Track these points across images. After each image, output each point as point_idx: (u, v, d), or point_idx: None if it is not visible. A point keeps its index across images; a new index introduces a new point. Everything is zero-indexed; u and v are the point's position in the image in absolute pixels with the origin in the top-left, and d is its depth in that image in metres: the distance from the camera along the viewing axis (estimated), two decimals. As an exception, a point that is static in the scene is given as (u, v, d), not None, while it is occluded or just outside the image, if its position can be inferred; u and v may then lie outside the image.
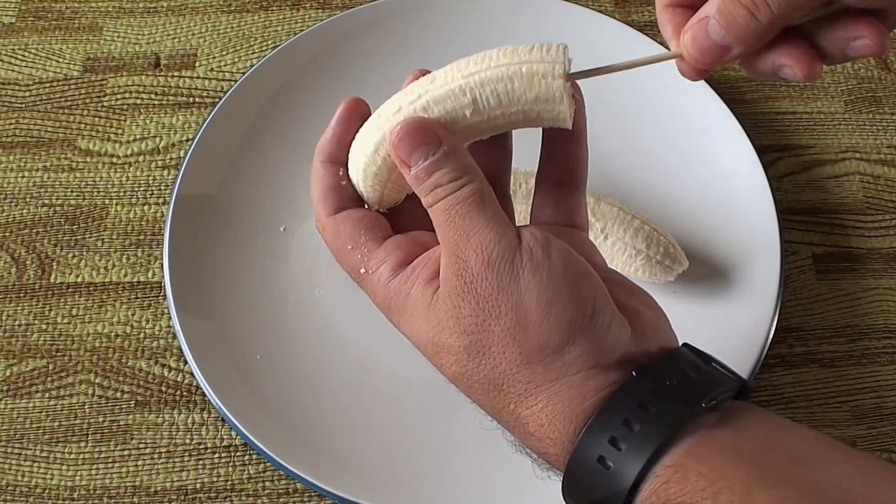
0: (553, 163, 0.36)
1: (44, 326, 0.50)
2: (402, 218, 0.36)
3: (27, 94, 0.58)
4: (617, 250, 0.48)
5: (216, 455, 0.46)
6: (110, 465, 0.46)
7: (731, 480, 0.27)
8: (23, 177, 0.55)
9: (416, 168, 0.32)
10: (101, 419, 0.47)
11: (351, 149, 0.36)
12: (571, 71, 0.36)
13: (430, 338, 0.32)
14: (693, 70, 0.33)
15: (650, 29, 0.60)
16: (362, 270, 0.33)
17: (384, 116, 0.34)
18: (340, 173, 0.35)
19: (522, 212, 0.49)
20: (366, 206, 0.35)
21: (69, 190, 0.54)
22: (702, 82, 0.55)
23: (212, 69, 0.59)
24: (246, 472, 0.46)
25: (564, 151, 0.36)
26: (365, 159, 0.35)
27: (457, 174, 0.31)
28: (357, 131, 0.35)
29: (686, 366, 0.30)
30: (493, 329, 0.30)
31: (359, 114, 0.35)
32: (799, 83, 0.59)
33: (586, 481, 0.29)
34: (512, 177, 0.48)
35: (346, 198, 0.35)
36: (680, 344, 0.33)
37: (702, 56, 0.32)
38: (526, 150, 0.49)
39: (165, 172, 0.55)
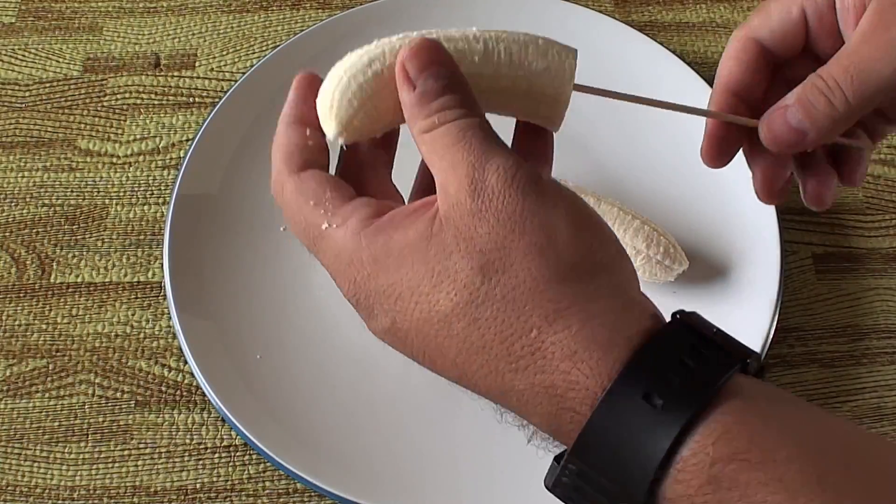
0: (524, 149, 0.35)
1: (44, 326, 0.50)
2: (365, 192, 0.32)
3: (27, 94, 0.58)
4: None
5: (216, 455, 0.47)
6: (110, 465, 0.46)
7: (797, 438, 0.25)
8: (23, 177, 0.55)
9: (423, 86, 0.29)
10: (101, 419, 0.47)
11: (329, 73, 0.34)
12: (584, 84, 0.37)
13: (429, 270, 0.27)
14: (767, 189, 0.39)
15: (650, 29, 0.60)
16: (324, 226, 0.29)
17: (384, 40, 0.32)
18: (308, 133, 0.32)
19: None
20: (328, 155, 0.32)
21: (69, 190, 0.54)
22: (702, 82, 0.55)
23: (212, 69, 0.59)
24: (246, 472, 0.46)
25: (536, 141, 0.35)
26: (352, 71, 0.32)
27: (470, 102, 0.29)
28: (314, 94, 0.32)
29: (713, 325, 0.28)
30: (516, 245, 0.27)
31: (313, 79, 0.33)
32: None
33: (622, 421, 0.25)
34: None
35: (314, 159, 0.31)
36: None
37: (777, 139, 0.35)
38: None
39: (165, 172, 0.55)
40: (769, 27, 0.37)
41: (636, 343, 0.26)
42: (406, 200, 0.33)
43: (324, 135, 0.32)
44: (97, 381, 0.48)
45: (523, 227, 0.27)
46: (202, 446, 0.47)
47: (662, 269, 0.48)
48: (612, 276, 0.28)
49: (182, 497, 0.45)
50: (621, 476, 0.25)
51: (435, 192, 0.29)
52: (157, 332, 0.50)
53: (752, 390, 0.26)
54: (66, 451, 0.47)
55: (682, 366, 0.25)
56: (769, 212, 0.50)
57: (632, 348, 0.26)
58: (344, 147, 0.32)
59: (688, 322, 0.27)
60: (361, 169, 0.33)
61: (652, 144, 0.54)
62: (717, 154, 0.38)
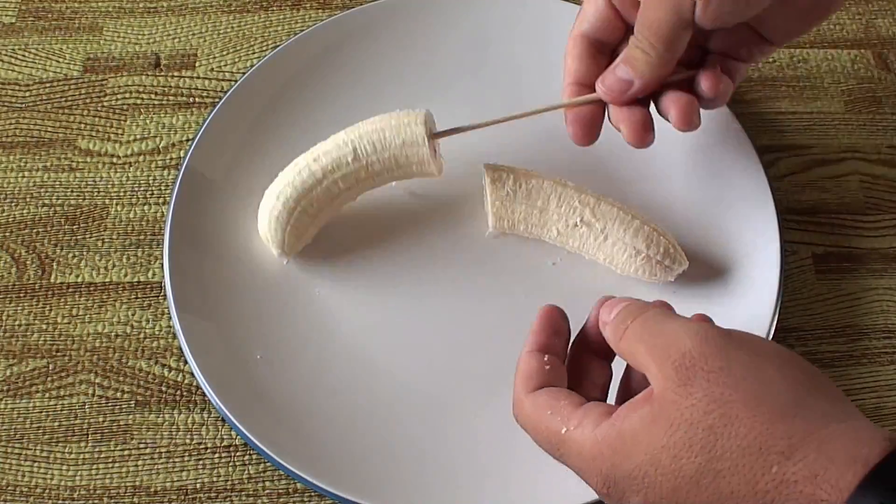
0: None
1: (44, 326, 0.50)
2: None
3: (27, 94, 0.58)
4: (617, 250, 0.48)
5: (216, 455, 0.47)
6: (110, 465, 0.46)
7: None
8: (23, 177, 0.55)
9: (614, 320, 0.36)
10: (101, 419, 0.47)
11: (259, 213, 0.47)
12: (436, 131, 0.48)
13: (664, 445, 0.31)
14: (636, 135, 0.44)
15: (650, 29, 0.60)
16: (563, 430, 0.34)
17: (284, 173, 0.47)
18: (545, 359, 0.37)
19: (522, 212, 0.49)
20: None
21: (69, 190, 0.54)
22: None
23: (212, 69, 0.59)
24: (246, 472, 0.46)
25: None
26: (275, 209, 0.46)
27: (641, 306, 0.36)
28: (562, 331, 0.38)
29: None
30: (733, 398, 0.30)
31: (559, 319, 0.38)
32: (799, 83, 0.59)
33: None
34: (511, 177, 0.48)
35: (549, 381, 0.36)
36: None
37: (609, 90, 0.43)
38: (526, 150, 0.49)
39: (165, 172, 0.55)
40: (588, 21, 0.45)
41: (872, 460, 0.28)
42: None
43: (561, 361, 0.38)
44: (97, 381, 0.48)
45: (734, 380, 0.31)
46: (202, 446, 0.47)
47: (662, 269, 0.48)
48: (827, 402, 0.31)
49: (182, 497, 0.45)
50: None
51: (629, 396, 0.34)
52: (157, 332, 0.50)
53: None
54: (66, 451, 0.47)
55: None
56: (769, 212, 0.50)
57: (868, 465, 0.28)
58: None
59: None
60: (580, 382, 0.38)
61: (653, 145, 0.54)
62: (584, 133, 0.45)
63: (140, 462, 0.46)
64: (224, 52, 0.59)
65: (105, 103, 0.57)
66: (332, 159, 0.47)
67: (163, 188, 0.54)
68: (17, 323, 0.50)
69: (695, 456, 0.30)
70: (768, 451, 0.29)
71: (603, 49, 0.45)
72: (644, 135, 0.43)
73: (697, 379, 0.31)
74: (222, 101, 0.54)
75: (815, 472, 0.29)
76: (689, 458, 0.30)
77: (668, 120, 0.43)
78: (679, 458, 0.31)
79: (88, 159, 0.55)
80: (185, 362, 0.48)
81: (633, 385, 0.38)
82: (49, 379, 0.48)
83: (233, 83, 0.55)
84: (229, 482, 0.46)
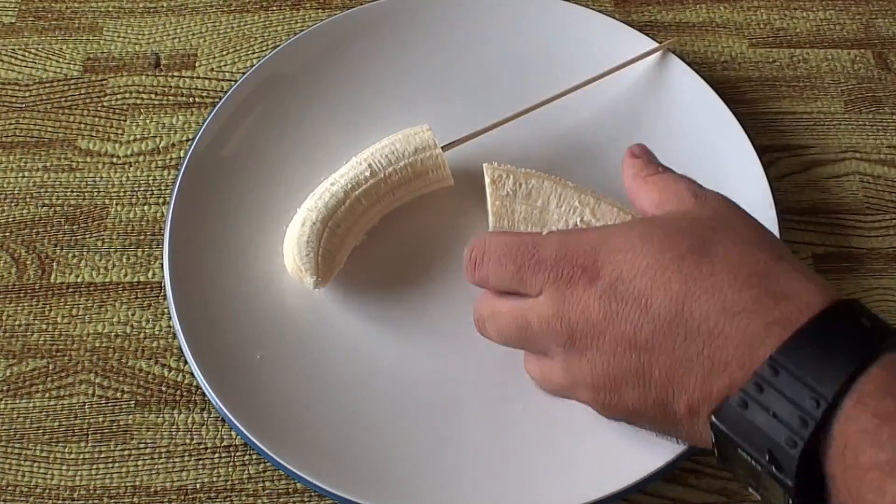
0: None
1: (44, 326, 0.50)
2: None
3: (27, 94, 0.58)
4: None
5: (216, 455, 0.47)
6: (110, 465, 0.46)
7: None
8: (23, 177, 0.55)
9: (647, 158, 0.44)
10: (101, 419, 0.47)
11: (285, 248, 0.48)
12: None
13: (661, 225, 0.37)
14: None
15: (650, 29, 0.60)
16: (543, 232, 0.42)
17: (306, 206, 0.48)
18: None
19: (522, 212, 0.49)
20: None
21: (69, 190, 0.54)
22: (702, 82, 0.55)
23: (212, 69, 0.59)
24: (246, 472, 0.46)
25: None
26: (303, 235, 0.46)
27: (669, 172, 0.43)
28: None
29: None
30: (738, 216, 0.38)
31: None
32: (799, 83, 0.59)
33: (843, 329, 0.32)
34: (511, 177, 0.48)
35: None
36: None
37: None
38: (526, 150, 0.49)
39: (165, 172, 0.55)
40: None
41: (825, 303, 0.33)
42: None
43: None
44: (97, 381, 0.48)
45: (737, 211, 0.39)
46: (202, 446, 0.47)
47: None
48: (792, 261, 0.36)
49: (182, 497, 0.45)
50: (817, 375, 0.31)
51: None
52: (157, 332, 0.50)
53: None
54: (66, 451, 0.47)
55: (863, 321, 0.32)
56: (769, 212, 0.50)
57: (838, 293, 0.34)
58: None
59: (845, 306, 0.34)
60: None
61: (652, 144, 0.54)
62: None
63: (140, 462, 0.46)
64: (224, 52, 0.59)
65: (105, 103, 0.57)
66: (349, 179, 0.47)
67: (163, 188, 0.54)
68: (17, 323, 0.50)
69: (695, 238, 0.36)
70: (759, 251, 0.35)
71: None
72: None
73: (710, 201, 0.39)
74: (222, 100, 0.54)
75: (798, 276, 0.34)
76: (666, 286, 0.34)
77: None
78: (654, 292, 0.35)
79: (88, 159, 0.55)
80: (185, 362, 0.48)
81: None
82: (49, 379, 0.48)
83: (233, 83, 0.55)
84: (229, 482, 0.46)
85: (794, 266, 0.35)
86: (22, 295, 0.51)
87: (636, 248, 0.36)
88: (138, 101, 0.57)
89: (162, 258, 0.50)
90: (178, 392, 0.48)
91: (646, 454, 0.43)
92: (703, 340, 0.33)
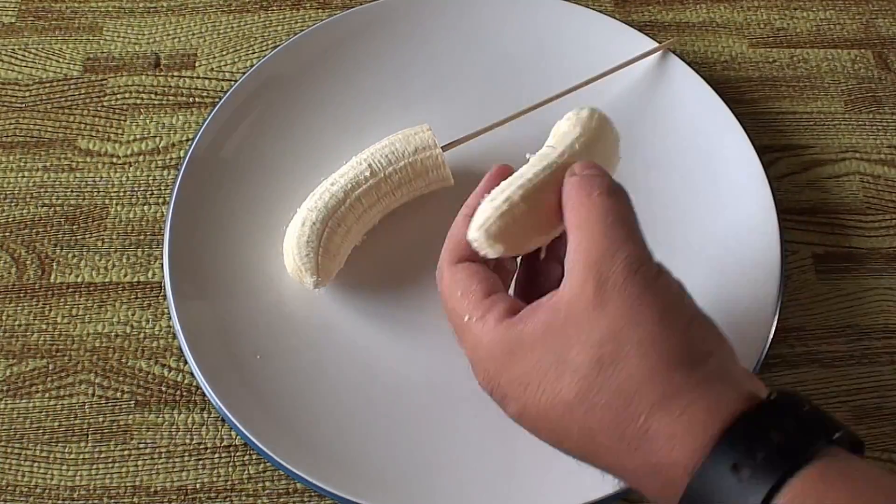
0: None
1: (44, 326, 0.50)
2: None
3: (27, 94, 0.58)
4: None
5: (216, 455, 0.47)
6: (110, 465, 0.46)
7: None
8: (23, 177, 0.55)
9: (589, 172, 0.35)
10: (101, 419, 0.47)
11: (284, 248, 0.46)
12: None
13: (551, 362, 0.31)
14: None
15: (650, 29, 0.60)
16: (466, 318, 0.34)
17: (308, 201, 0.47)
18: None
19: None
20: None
21: (69, 190, 0.54)
22: (701, 82, 0.55)
23: (212, 69, 0.59)
24: (246, 472, 0.46)
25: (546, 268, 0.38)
26: (303, 234, 0.45)
27: (615, 192, 0.34)
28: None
29: (808, 402, 0.30)
30: (631, 336, 0.30)
31: (505, 176, 0.37)
32: (799, 83, 0.59)
33: (714, 492, 0.28)
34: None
35: (470, 255, 0.36)
36: None
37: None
38: (524, 150, 0.49)
39: (165, 172, 0.55)
40: None
41: (729, 423, 0.29)
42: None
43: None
44: (97, 381, 0.48)
45: (641, 317, 0.30)
46: (202, 446, 0.47)
47: None
48: (716, 362, 0.31)
49: (182, 497, 0.45)
50: None
51: (531, 288, 0.36)
52: (157, 332, 0.50)
53: (834, 463, 0.28)
54: (66, 451, 0.47)
55: (768, 440, 0.28)
56: (769, 212, 0.50)
57: (724, 428, 0.29)
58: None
59: (780, 401, 0.30)
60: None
61: (652, 144, 0.54)
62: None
63: (140, 462, 0.46)
64: (224, 52, 0.59)
65: (105, 103, 0.57)
66: (349, 179, 0.47)
67: (163, 188, 0.54)
68: (17, 323, 0.50)
69: (577, 381, 0.30)
70: (641, 398, 0.29)
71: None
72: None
73: (608, 308, 0.30)
74: (222, 100, 0.54)
75: (675, 431, 0.29)
76: (571, 382, 0.30)
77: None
78: (562, 377, 0.31)
79: (88, 159, 0.55)
80: (185, 362, 0.48)
81: (541, 280, 0.38)
82: (49, 379, 0.48)
83: (233, 83, 0.55)
84: (229, 482, 0.46)
85: (678, 408, 0.29)
86: (22, 295, 0.51)
87: (533, 382, 0.32)
88: (138, 101, 0.57)
89: (162, 258, 0.50)
90: (178, 392, 0.48)
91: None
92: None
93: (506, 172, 0.37)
